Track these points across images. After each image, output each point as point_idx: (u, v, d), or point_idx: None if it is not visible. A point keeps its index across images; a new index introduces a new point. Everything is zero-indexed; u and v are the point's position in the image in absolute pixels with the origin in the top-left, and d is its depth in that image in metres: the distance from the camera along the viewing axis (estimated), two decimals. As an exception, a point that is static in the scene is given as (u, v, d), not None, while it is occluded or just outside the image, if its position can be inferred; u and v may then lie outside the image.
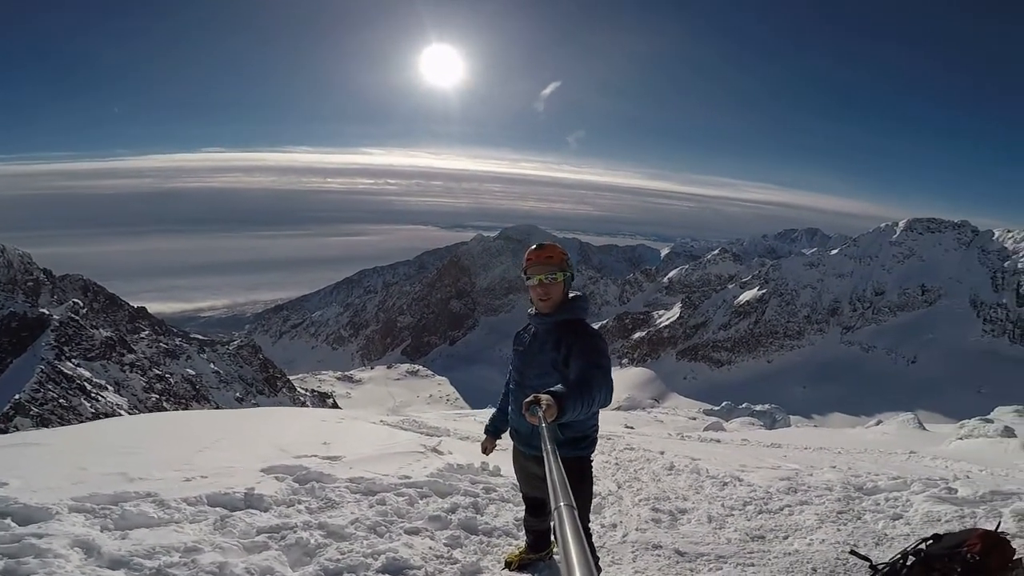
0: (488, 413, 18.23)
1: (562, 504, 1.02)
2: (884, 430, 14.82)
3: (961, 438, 10.32)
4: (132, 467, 4.05)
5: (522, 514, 4.04)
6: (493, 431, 3.18)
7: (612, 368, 2.42)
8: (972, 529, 2.90)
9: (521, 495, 3.25)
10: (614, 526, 3.95)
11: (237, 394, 44.71)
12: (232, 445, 5.63)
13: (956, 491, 4.72)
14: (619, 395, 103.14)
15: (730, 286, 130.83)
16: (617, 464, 6.62)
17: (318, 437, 6.46)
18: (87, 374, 40.31)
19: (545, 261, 2.65)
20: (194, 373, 41.94)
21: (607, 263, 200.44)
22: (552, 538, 3.17)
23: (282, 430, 7.15)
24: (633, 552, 3.47)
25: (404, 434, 7.80)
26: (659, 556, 3.43)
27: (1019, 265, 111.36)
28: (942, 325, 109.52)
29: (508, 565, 3.28)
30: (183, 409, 34.13)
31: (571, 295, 2.71)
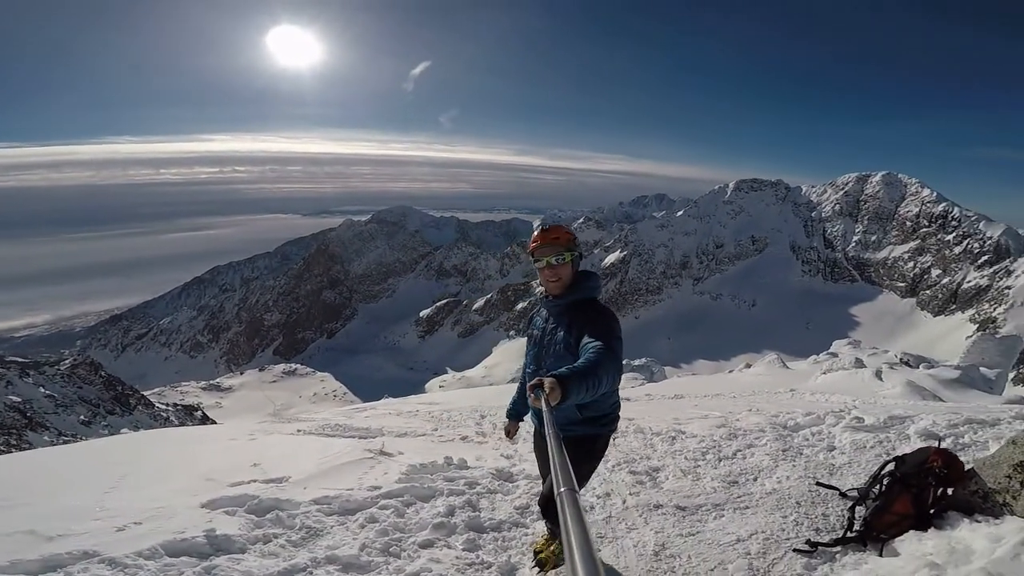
0: (386, 403, 17.57)
1: (565, 489, 1.02)
2: (757, 371, 17.05)
3: (824, 372, 12.24)
4: (39, 522, 3.33)
5: (520, 502, 4.01)
6: (515, 415, 3.14)
7: (619, 351, 2.31)
8: (925, 448, 3.41)
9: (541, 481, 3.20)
10: (608, 495, 4.05)
11: (82, 417, 38.36)
12: (141, 481, 4.84)
13: (863, 420, 5.55)
14: (513, 366, 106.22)
15: (596, 251, 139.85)
16: (569, 436, 6.83)
17: (241, 459, 5.79)
18: None
19: (552, 242, 2.58)
20: (20, 399, 35.08)
21: (486, 238, 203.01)
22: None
23: (191, 457, 6.31)
24: (641, 515, 3.60)
25: (338, 441, 7.26)
26: (665, 514, 3.59)
27: (823, 214, 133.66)
28: (771, 270, 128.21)
29: (536, 554, 3.22)
30: (16, 440, 28.44)
31: (583, 272, 2.68)
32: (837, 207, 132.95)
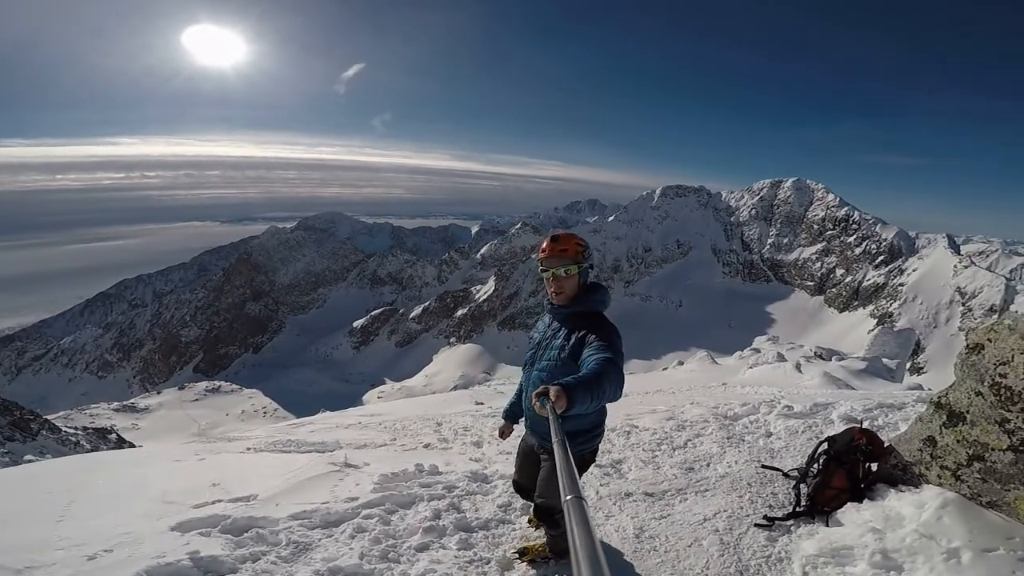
0: (325, 417, 17.33)
1: (571, 497, 1.03)
2: (690, 368, 18.19)
3: (751, 367, 13.32)
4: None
5: (501, 500, 4.21)
6: (511, 416, 3.23)
7: (622, 365, 2.35)
8: (850, 428, 3.95)
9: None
10: (581, 487, 4.35)
11: (-22, 442, 34.32)
12: (93, 509, 4.63)
13: (793, 408, 6.20)
14: (455, 373, 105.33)
15: (533, 256, 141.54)
16: (530, 438, 7.11)
17: (196, 480, 5.65)
18: None
19: (559, 254, 2.56)
20: None
21: (422, 245, 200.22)
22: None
23: (138, 481, 6.01)
24: (615, 503, 3.92)
25: (298, 457, 7.16)
26: (637, 501, 3.94)
27: (741, 219, 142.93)
28: (695, 272, 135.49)
29: (530, 521, 3.52)
30: None
31: (591, 284, 2.68)
32: (753, 212, 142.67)
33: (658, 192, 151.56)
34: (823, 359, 17.29)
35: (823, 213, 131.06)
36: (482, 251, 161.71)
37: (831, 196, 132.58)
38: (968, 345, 3.13)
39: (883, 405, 5.80)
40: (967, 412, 3.04)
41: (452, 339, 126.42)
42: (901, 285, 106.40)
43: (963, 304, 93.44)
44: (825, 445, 3.85)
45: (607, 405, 2.53)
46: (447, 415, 14.08)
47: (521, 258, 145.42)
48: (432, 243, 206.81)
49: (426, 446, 7.48)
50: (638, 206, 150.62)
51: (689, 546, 3.16)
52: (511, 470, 5.02)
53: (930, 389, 14.91)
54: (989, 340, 3.00)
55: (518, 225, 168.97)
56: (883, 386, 12.58)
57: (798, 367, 12.87)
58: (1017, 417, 2.73)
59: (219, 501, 4.70)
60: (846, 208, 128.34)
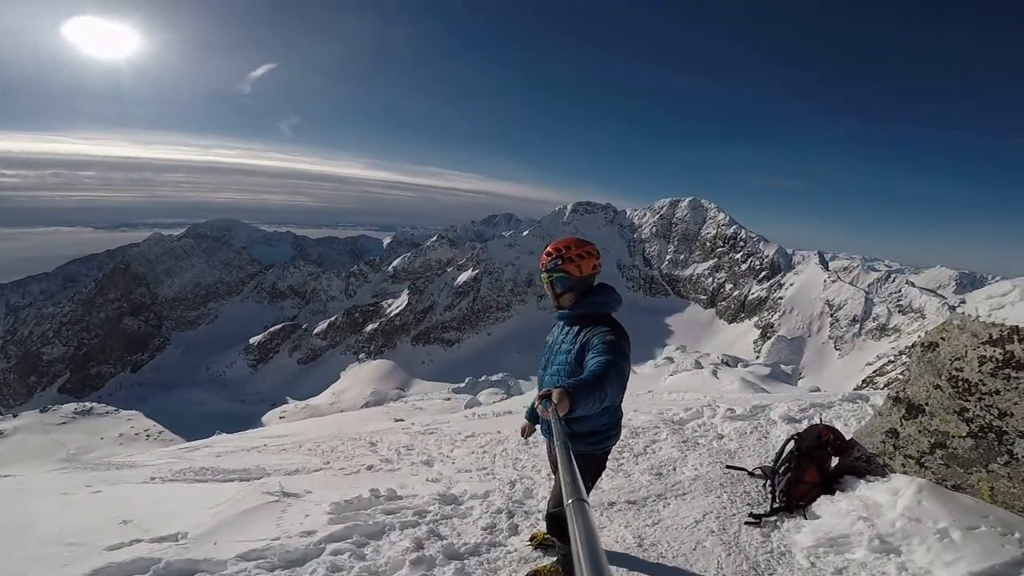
0: (222, 440, 16.16)
1: (574, 500, 1.05)
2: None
3: (672, 374, 14.07)
4: None
5: (483, 522, 3.99)
6: (532, 418, 3.19)
7: (625, 366, 2.35)
8: (814, 426, 4.21)
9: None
10: (584, 490, 4.25)
11: None
12: None
13: (735, 410, 6.54)
14: (365, 390, 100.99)
15: (449, 269, 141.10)
16: (484, 451, 6.88)
17: (100, 517, 4.95)
18: None
19: (541, 264, 2.76)
20: None
21: (328, 256, 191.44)
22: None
23: (21, 519, 5.09)
24: (603, 514, 3.85)
25: (222, 486, 6.42)
26: (623, 510, 3.90)
27: (643, 235, 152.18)
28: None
29: (532, 539, 3.40)
30: None
31: (598, 285, 2.75)
32: (654, 229, 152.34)
33: (569, 208, 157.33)
34: (729, 366, 18.67)
35: (715, 231, 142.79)
36: (395, 264, 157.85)
37: (722, 215, 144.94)
38: (923, 344, 3.45)
39: (815, 405, 6.30)
40: (926, 404, 3.34)
41: (361, 355, 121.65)
42: (780, 298, 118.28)
43: (831, 315, 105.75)
44: (792, 443, 4.06)
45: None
46: (375, 433, 13.41)
47: (436, 271, 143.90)
48: (339, 254, 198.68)
49: (369, 468, 6.99)
50: (551, 221, 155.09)
51: (693, 549, 3.17)
52: (479, 489, 4.82)
53: (826, 390, 16.62)
54: (942, 339, 3.32)
55: (434, 238, 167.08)
56: (786, 389, 13.79)
57: (715, 373, 13.76)
58: (975, 406, 3.03)
59: (139, 541, 4.10)
60: (735, 227, 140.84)
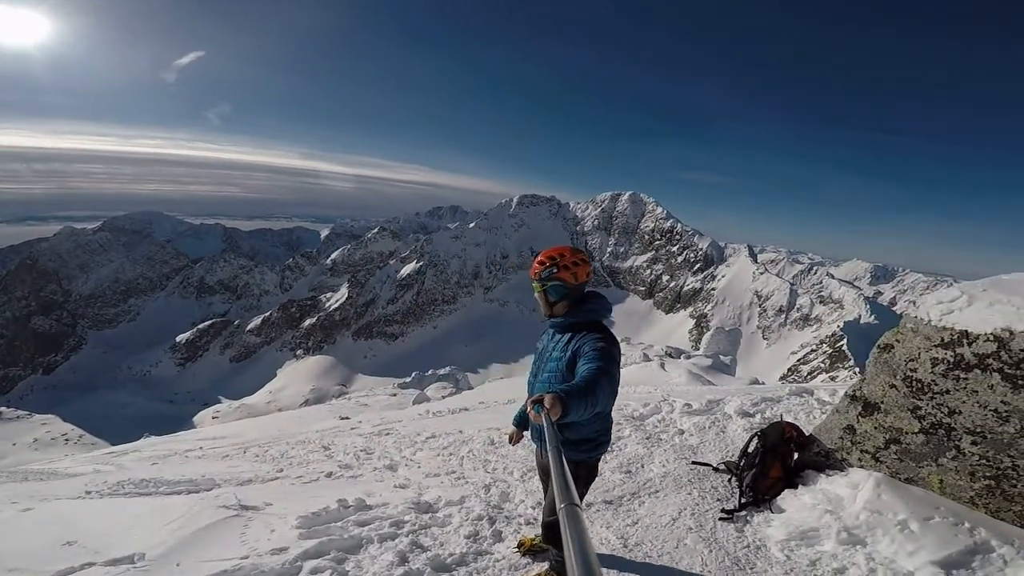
0: (151, 443, 15.40)
1: (567, 504, 1.06)
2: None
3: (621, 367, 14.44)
4: None
5: (464, 530, 3.95)
6: (520, 424, 3.20)
7: (616, 373, 2.42)
8: (777, 423, 4.44)
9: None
10: (540, 503, 4.27)
11: None
12: None
13: (692, 405, 6.80)
14: (304, 388, 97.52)
15: (391, 262, 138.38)
16: (451, 454, 6.81)
17: (40, 539, 4.60)
18: None
19: (532, 273, 2.73)
20: None
21: (261, 249, 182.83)
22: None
23: None
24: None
25: (174, 500, 6.02)
26: (600, 510, 3.97)
27: (586, 228, 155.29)
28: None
29: (520, 546, 3.38)
30: None
31: (588, 293, 2.73)
32: (596, 222, 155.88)
33: (515, 201, 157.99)
34: (673, 357, 19.43)
35: (653, 225, 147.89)
36: (333, 256, 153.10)
37: (660, 209, 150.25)
38: (879, 346, 3.72)
39: (766, 399, 6.66)
40: (882, 402, 3.61)
41: (299, 351, 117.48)
42: (713, 289, 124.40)
43: (760, 306, 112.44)
44: (756, 440, 4.28)
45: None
46: (322, 434, 12.98)
47: (378, 264, 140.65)
48: (273, 247, 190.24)
49: (328, 475, 6.75)
50: (497, 213, 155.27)
51: (676, 547, 3.27)
52: (453, 494, 4.77)
53: (764, 382, 17.62)
54: (897, 341, 3.59)
55: (375, 229, 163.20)
56: (728, 380, 14.53)
57: (662, 365, 14.30)
58: (927, 404, 3.31)
59: (91, 565, 3.82)
60: (671, 220, 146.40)
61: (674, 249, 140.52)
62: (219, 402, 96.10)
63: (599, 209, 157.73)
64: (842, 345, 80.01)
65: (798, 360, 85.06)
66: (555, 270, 2.66)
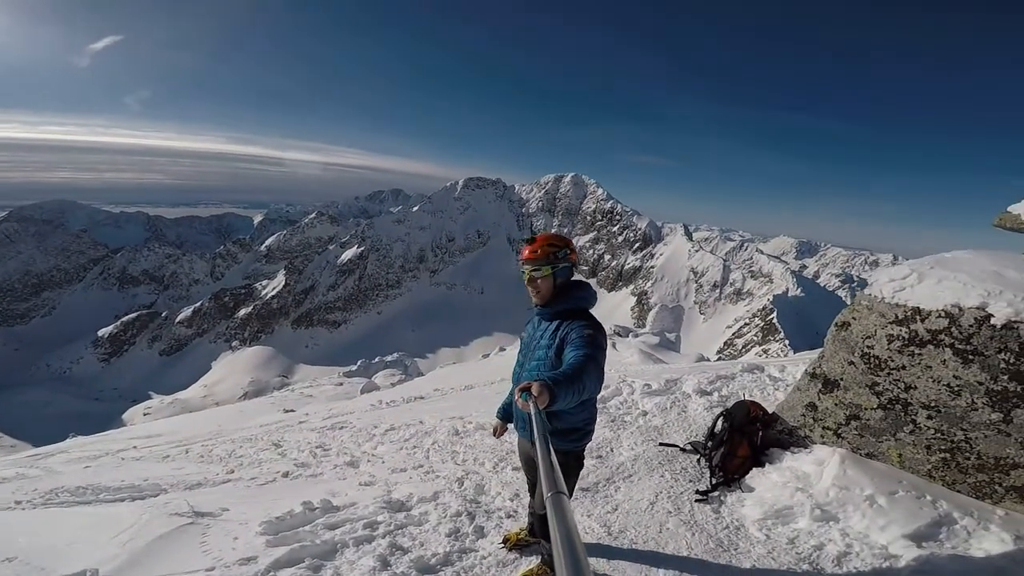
0: (79, 443, 14.47)
1: (553, 493, 1.05)
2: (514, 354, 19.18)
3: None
4: None
5: (443, 528, 3.86)
6: (504, 416, 3.16)
7: (602, 360, 2.40)
8: (742, 402, 4.59)
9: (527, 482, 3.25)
10: (517, 495, 4.25)
11: None
12: None
13: (651, 386, 6.96)
14: (243, 380, 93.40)
15: (331, 247, 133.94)
16: (414, 446, 6.66)
17: None
18: None
19: (531, 256, 2.64)
20: None
21: (189, 237, 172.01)
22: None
23: None
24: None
25: (119, 509, 5.57)
26: (578, 497, 3.93)
27: (530, 210, 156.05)
28: (494, 260, 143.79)
29: (506, 541, 3.33)
30: None
31: (575, 281, 2.72)
32: (540, 204, 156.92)
33: (460, 184, 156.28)
34: (622, 336, 19.91)
35: (594, 206, 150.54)
36: (268, 243, 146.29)
37: (600, 191, 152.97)
38: (836, 323, 3.89)
39: (720, 377, 6.91)
40: (841, 379, 3.79)
41: (235, 342, 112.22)
42: (652, 267, 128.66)
43: (696, 282, 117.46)
44: (722, 420, 4.42)
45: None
46: (267, 429, 12.45)
47: (317, 249, 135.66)
48: (202, 234, 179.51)
49: (285, 475, 6.46)
50: (442, 197, 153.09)
51: (660, 532, 3.32)
52: (425, 490, 4.66)
53: (709, 358, 18.39)
54: (854, 318, 3.76)
55: (313, 214, 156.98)
56: (675, 357, 15.05)
57: (614, 345, 14.61)
58: (884, 380, 3.50)
59: None
60: (612, 201, 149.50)
61: (615, 229, 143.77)
62: (150, 398, 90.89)
63: (543, 191, 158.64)
64: (772, 318, 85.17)
65: (733, 334, 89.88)
66: (568, 251, 2.68)
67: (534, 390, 1.81)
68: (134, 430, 22.52)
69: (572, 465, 2.77)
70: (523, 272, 2.66)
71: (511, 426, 3.12)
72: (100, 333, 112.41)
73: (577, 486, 4.17)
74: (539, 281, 2.62)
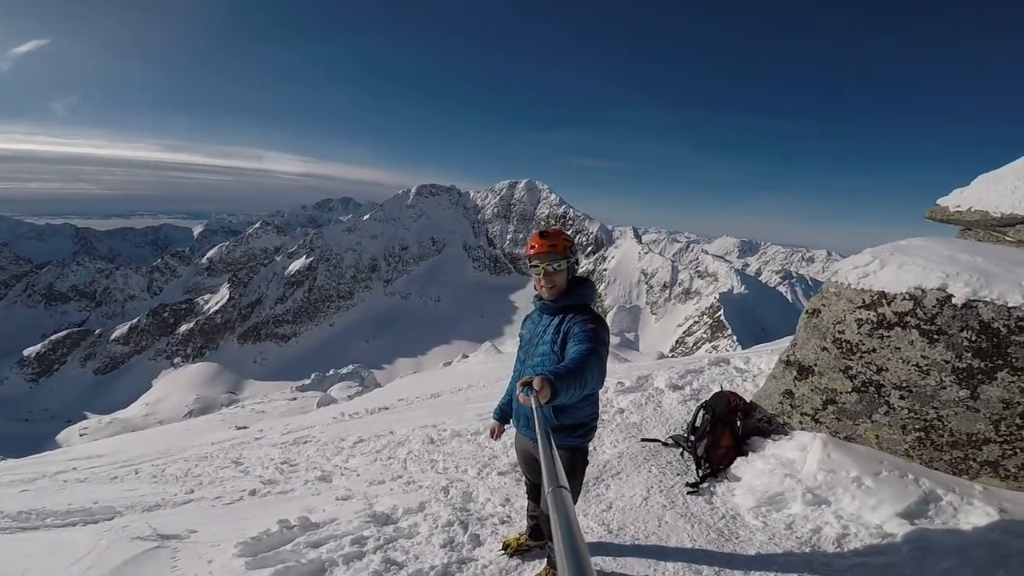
0: (9, 466, 13.60)
1: (554, 488, 1.04)
2: (479, 360, 19.05)
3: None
4: None
5: (436, 539, 3.75)
6: (500, 417, 3.09)
7: (604, 354, 2.39)
8: (721, 392, 4.71)
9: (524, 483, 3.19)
10: (508, 500, 4.19)
11: None
12: None
13: (624, 383, 7.04)
14: (187, 397, 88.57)
15: (278, 258, 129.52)
16: (389, 457, 6.47)
17: None
18: None
19: (549, 250, 2.64)
20: None
21: (122, 249, 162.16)
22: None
23: None
24: (551, 510, 3.88)
25: (72, 535, 5.12)
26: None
27: (486, 216, 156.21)
28: (450, 268, 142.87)
29: (506, 548, 3.25)
30: None
31: (577, 277, 2.75)
32: (496, 210, 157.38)
33: (413, 191, 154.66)
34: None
35: (548, 211, 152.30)
36: (209, 255, 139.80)
37: (553, 196, 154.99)
38: (807, 311, 4.04)
39: (690, 371, 7.07)
40: (815, 365, 3.94)
41: (177, 359, 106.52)
42: (605, 270, 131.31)
43: (647, 283, 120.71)
44: (703, 412, 4.51)
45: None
46: (225, 446, 11.86)
47: (262, 261, 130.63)
48: (137, 247, 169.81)
49: (252, 493, 6.13)
50: (394, 204, 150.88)
51: (659, 527, 3.34)
52: (410, 502, 4.52)
53: (671, 355, 18.84)
54: (823, 305, 3.93)
55: (257, 224, 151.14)
56: (637, 355, 15.36)
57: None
58: (857, 364, 3.66)
59: None
60: (564, 206, 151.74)
61: (568, 234, 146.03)
62: (86, 418, 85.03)
63: (498, 197, 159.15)
64: (720, 315, 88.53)
65: (684, 332, 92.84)
66: (576, 249, 2.78)
67: (535, 384, 1.80)
68: (72, 451, 20.96)
69: (579, 463, 2.73)
70: (535, 266, 2.64)
71: (509, 426, 3.07)
72: (26, 353, 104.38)
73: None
74: (556, 275, 2.63)
